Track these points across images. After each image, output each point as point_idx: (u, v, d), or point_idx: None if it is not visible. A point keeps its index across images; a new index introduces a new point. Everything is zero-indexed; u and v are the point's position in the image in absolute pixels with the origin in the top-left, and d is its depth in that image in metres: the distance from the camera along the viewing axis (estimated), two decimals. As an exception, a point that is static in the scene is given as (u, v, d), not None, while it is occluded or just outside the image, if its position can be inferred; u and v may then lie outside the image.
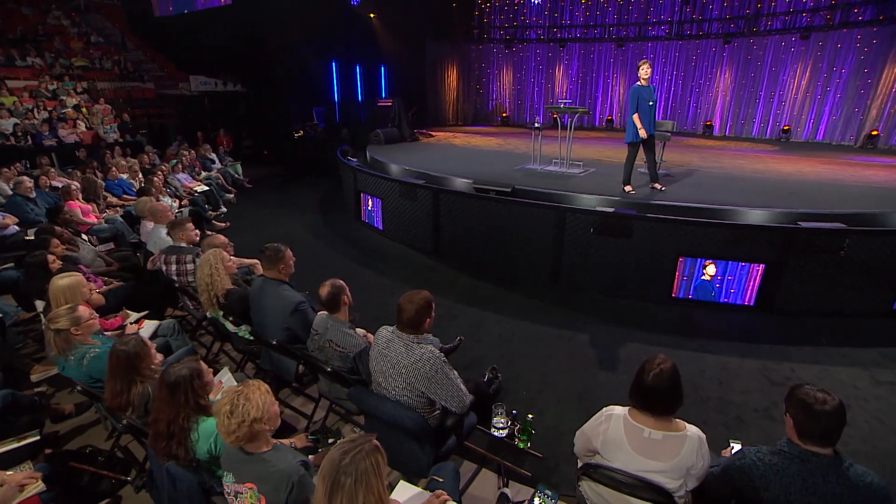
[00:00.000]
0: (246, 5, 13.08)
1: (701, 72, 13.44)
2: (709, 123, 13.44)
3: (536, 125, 7.38)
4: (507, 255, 5.44)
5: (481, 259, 5.69)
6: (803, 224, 4.47)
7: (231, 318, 3.21)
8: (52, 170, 7.34)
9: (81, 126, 12.23)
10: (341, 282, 2.68)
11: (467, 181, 6.14)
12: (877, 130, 10.87)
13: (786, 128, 12.25)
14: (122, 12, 18.93)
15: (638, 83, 5.46)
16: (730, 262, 4.51)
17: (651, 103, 5.46)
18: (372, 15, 15.31)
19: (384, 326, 2.38)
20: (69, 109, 12.57)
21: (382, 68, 15.91)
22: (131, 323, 3.40)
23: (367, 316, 4.58)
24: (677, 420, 1.84)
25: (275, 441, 1.89)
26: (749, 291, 4.59)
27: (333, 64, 14.82)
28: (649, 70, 5.44)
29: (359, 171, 7.40)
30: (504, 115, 16.94)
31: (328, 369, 2.58)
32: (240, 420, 1.64)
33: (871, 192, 5.89)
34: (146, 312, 3.69)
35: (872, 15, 10.93)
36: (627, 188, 5.75)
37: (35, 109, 11.99)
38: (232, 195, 9.24)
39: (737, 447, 2.19)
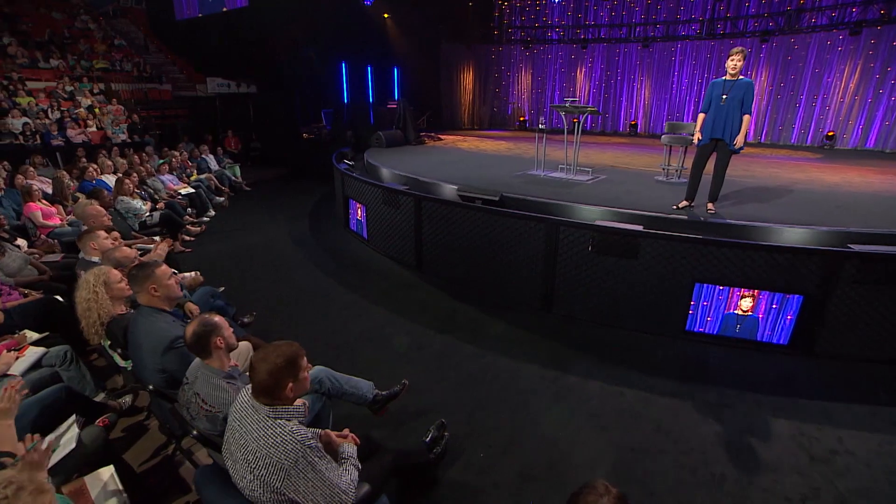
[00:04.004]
0: (262, 5, 12.89)
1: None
2: (743, 129, 12.32)
3: (541, 127, 6.63)
4: (494, 274, 4.71)
5: (465, 277, 4.97)
6: (855, 247, 3.58)
7: (119, 350, 2.62)
8: (31, 169, 7.06)
9: (93, 126, 12.20)
10: (216, 319, 2.03)
11: (455, 188, 5.45)
12: (939, 138, 9.60)
13: (830, 134, 11.04)
14: (147, 16, 19.30)
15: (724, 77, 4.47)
16: (760, 292, 3.66)
17: (724, 100, 4.33)
18: (386, 15, 14.89)
19: (247, 386, 1.72)
20: (81, 110, 12.57)
21: (395, 70, 15.44)
22: (10, 350, 2.85)
23: (322, 343, 3.97)
24: None
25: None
26: (783, 326, 3.71)
27: (343, 65, 14.42)
28: (736, 61, 4.27)
29: (346, 175, 6.81)
30: (522, 118, 16.18)
31: (194, 431, 1.94)
32: None
33: (939, 209, 4.89)
34: (45, 335, 3.14)
35: (935, 8, 9.71)
36: (681, 203, 4.82)
37: (49, 110, 12.01)
38: (223, 198, 8.82)
39: None
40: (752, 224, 4.18)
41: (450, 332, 4.15)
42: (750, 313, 3.71)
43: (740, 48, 4.35)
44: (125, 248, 2.98)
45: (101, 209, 4.06)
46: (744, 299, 3.71)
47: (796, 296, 3.56)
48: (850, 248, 3.61)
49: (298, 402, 2.13)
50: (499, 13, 16.07)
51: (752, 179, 6.59)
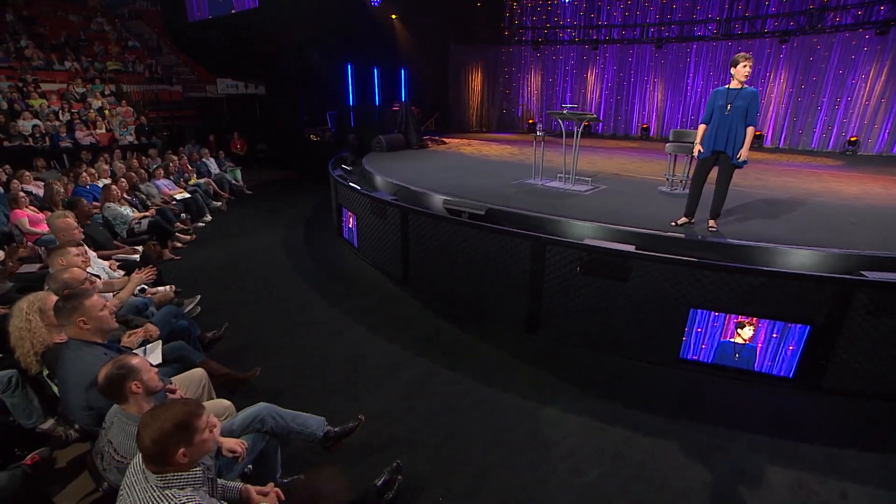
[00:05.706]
0: (270, 7, 12.90)
1: (752, 75, 11.82)
2: (759, 133, 11.82)
3: (539, 133, 6.36)
4: (480, 292, 4.48)
5: (451, 293, 4.76)
6: (869, 275, 3.26)
7: (56, 381, 2.47)
8: (27, 173, 7.06)
9: (101, 128, 12.28)
10: (133, 361, 1.84)
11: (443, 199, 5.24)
12: (972, 144, 9.04)
13: (853, 139, 10.52)
14: (161, 18, 19.52)
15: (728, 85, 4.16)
16: (760, 320, 3.37)
17: (727, 110, 4.02)
18: (393, 16, 14.75)
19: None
20: (91, 111, 12.67)
21: (402, 71, 15.28)
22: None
23: (293, 362, 3.79)
24: None
25: None
26: (784, 358, 3.41)
27: (349, 66, 14.31)
28: (749, 67, 3.95)
29: (338, 182, 6.65)
30: (531, 121, 15.88)
31: (104, 484, 1.77)
32: None
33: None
34: (1, 357, 3.03)
35: (970, 6, 9.14)
36: (680, 220, 4.51)
37: (60, 111, 12.10)
38: (220, 203, 8.76)
39: None
40: (754, 245, 3.87)
41: (428, 353, 3.94)
42: (749, 342, 3.42)
43: (746, 53, 4.05)
44: (75, 269, 2.83)
45: (72, 223, 3.94)
46: (744, 328, 3.43)
47: (800, 325, 3.26)
48: (863, 275, 3.29)
49: (236, 444, 1.95)
50: (509, 13, 15.79)
51: (764, 190, 6.22)
